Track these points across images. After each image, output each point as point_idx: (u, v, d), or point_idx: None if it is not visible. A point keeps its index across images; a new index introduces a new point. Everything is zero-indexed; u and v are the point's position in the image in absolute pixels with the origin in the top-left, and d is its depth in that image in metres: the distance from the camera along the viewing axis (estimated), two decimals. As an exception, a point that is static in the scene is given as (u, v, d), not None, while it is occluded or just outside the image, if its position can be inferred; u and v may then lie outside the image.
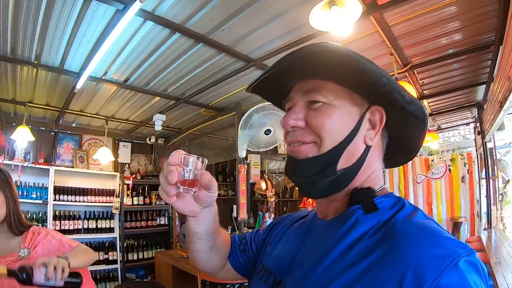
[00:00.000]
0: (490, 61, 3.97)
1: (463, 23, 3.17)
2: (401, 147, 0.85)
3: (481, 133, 5.61)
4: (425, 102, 5.51)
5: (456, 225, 7.17)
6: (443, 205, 7.73)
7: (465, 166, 7.39)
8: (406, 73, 4.15)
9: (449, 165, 7.66)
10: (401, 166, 8.51)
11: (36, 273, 1.44)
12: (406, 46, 3.58)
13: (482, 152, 5.91)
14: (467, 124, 7.69)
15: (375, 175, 0.79)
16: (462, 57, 3.87)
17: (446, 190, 7.68)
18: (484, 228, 5.99)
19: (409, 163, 8.32)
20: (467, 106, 6.00)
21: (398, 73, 3.74)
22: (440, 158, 7.87)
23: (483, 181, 6.26)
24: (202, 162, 0.75)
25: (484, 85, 4.75)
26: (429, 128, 6.31)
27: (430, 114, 6.21)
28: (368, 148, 0.77)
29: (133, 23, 2.90)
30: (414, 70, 4.17)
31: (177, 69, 3.87)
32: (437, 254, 0.55)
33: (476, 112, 5.99)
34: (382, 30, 3.11)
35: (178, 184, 0.73)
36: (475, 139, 6.95)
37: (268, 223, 1.34)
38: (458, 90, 5.05)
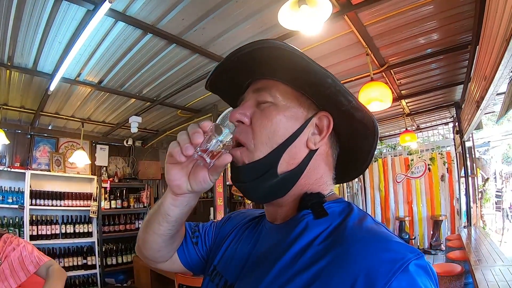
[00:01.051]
0: (467, 61, 4.01)
1: (440, 23, 3.20)
2: (351, 159, 0.84)
3: (460, 132, 5.67)
4: (403, 102, 5.54)
5: (436, 223, 7.25)
6: (423, 204, 7.83)
7: (444, 165, 7.50)
8: (383, 73, 4.17)
9: (428, 164, 7.75)
10: (381, 166, 8.63)
11: None
12: (382, 46, 3.59)
13: (461, 151, 5.97)
14: (446, 123, 7.79)
15: (323, 181, 0.78)
16: (439, 57, 3.90)
17: (426, 188, 7.78)
18: (464, 226, 6.05)
19: (389, 162, 8.43)
20: (446, 106, 6.06)
21: (374, 73, 3.74)
22: (419, 157, 7.97)
23: (463, 180, 6.32)
24: (231, 140, 0.70)
25: (462, 85, 4.81)
26: (408, 128, 6.36)
27: (409, 114, 6.26)
28: (311, 152, 0.76)
29: (105, 23, 2.86)
30: (391, 70, 4.19)
31: (151, 70, 3.82)
32: (387, 258, 0.55)
33: (455, 112, 6.06)
34: (357, 30, 3.11)
35: (198, 148, 0.66)
36: (454, 138, 7.03)
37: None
38: (436, 90, 5.10)
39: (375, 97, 3.35)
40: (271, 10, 2.67)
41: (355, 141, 0.80)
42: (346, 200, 0.76)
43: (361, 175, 8.69)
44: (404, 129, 6.34)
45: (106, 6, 2.43)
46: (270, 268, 0.68)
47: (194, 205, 0.82)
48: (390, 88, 4.57)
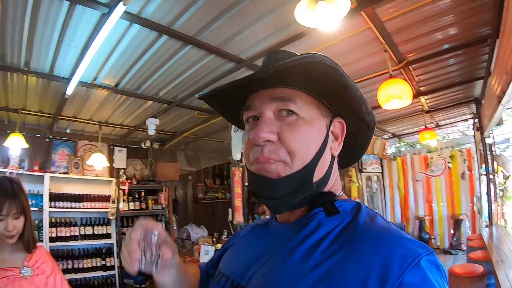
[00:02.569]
0: (487, 55, 3.90)
1: (458, 17, 3.11)
2: (346, 153, 0.86)
3: (480, 129, 5.54)
4: (422, 99, 5.44)
5: (457, 223, 7.12)
6: (443, 203, 7.69)
7: (464, 162, 7.35)
8: (401, 69, 4.08)
9: (448, 162, 7.61)
10: (400, 165, 8.51)
11: None
12: (401, 42, 3.52)
13: (482, 148, 5.83)
14: (465, 120, 7.63)
15: (338, 181, 0.82)
16: (458, 52, 3.81)
17: (446, 187, 7.64)
18: (486, 225, 5.91)
19: (408, 161, 8.31)
20: (465, 102, 5.93)
21: (393, 70, 3.66)
22: (439, 155, 7.83)
23: (483, 177, 6.17)
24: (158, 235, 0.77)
25: (482, 80, 4.69)
26: (427, 126, 6.24)
27: (428, 111, 6.14)
28: (333, 158, 0.79)
29: (120, 26, 2.86)
30: (410, 67, 4.11)
31: (167, 72, 3.82)
32: (400, 253, 0.57)
33: (475, 108, 5.93)
34: (374, 26, 3.05)
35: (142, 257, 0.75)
36: (474, 135, 6.87)
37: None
38: (455, 86, 5.00)
39: (395, 95, 3.29)
40: (286, 8, 2.62)
41: (355, 137, 0.84)
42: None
43: (380, 174, 8.67)
44: (424, 127, 6.22)
45: (120, 9, 2.43)
46: (282, 265, 0.68)
47: (178, 260, 0.87)
48: (409, 84, 4.50)
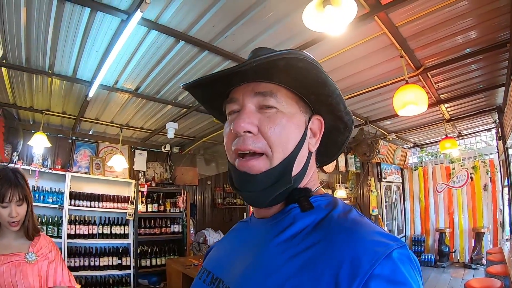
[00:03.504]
0: (507, 61, 3.74)
1: (476, 20, 3.00)
2: (324, 151, 0.91)
3: (502, 138, 5.35)
4: (442, 108, 5.30)
5: (478, 236, 6.91)
6: (465, 215, 7.49)
7: (487, 173, 7.15)
8: (420, 76, 3.97)
9: (470, 173, 7.42)
10: (421, 175, 8.34)
11: None
12: (417, 48, 3.44)
13: (505, 159, 5.65)
14: (489, 129, 7.40)
15: (315, 177, 0.84)
16: (478, 57, 3.66)
17: (468, 199, 7.44)
18: (507, 239, 5.72)
19: (430, 171, 8.14)
20: (488, 110, 5.70)
21: (410, 77, 3.59)
22: (461, 166, 7.64)
23: (506, 189, 5.98)
24: None
25: (504, 87, 4.51)
26: (449, 135, 6.09)
27: (449, 120, 5.96)
28: (310, 154, 0.81)
29: (138, 32, 2.96)
30: (428, 73, 3.99)
31: (185, 77, 3.88)
32: (371, 246, 0.58)
33: (497, 117, 5.73)
34: (389, 31, 3.00)
35: None
36: (497, 145, 6.67)
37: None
38: (477, 93, 4.81)
39: (410, 100, 3.23)
40: (298, 14, 2.58)
41: (332, 135, 0.88)
42: (332, 196, 0.80)
43: (400, 184, 8.51)
44: (445, 136, 6.08)
45: (138, 16, 2.53)
46: (259, 257, 0.71)
47: None
48: (428, 92, 4.40)
